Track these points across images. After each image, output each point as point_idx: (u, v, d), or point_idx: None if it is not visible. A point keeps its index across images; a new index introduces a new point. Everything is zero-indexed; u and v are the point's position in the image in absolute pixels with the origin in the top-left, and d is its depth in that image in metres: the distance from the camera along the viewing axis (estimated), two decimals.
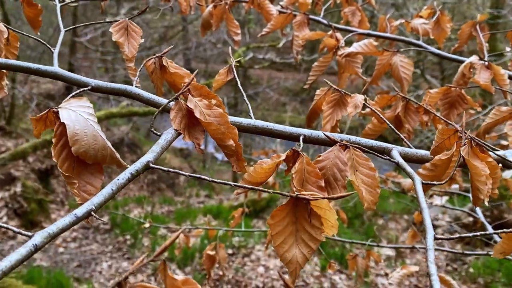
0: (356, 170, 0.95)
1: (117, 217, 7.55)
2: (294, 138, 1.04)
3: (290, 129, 1.04)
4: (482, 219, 2.63)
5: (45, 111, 0.86)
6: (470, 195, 2.81)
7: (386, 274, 7.13)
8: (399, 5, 9.73)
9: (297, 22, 2.00)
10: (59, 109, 0.84)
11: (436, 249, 2.43)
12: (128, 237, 6.95)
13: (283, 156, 0.92)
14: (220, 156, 11.55)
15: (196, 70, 1.04)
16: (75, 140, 0.82)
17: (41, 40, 1.14)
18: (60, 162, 0.83)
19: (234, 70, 1.32)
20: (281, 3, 2.21)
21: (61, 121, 0.82)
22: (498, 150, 1.20)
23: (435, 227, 8.85)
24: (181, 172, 0.79)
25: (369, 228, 8.09)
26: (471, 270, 7.32)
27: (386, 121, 1.29)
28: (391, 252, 7.62)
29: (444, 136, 1.02)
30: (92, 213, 0.73)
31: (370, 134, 1.48)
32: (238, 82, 1.38)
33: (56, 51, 1.09)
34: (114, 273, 6.28)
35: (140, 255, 6.67)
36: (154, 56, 1.13)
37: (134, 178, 0.83)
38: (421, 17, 2.11)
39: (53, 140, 0.83)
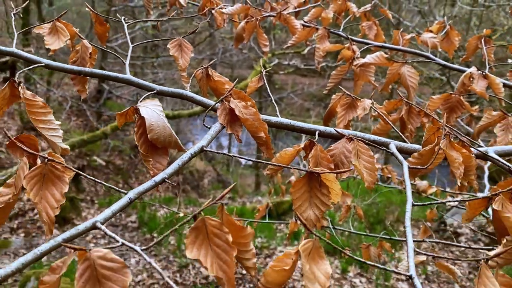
0: (359, 157, 1.25)
1: (145, 216, 7.96)
2: (312, 133, 1.36)
3: (308, 125, 1.36)
4: None
5: (127, 108, 1.20)
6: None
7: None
8: (425, 13, 9.90)
9: (319, 35, 2.32)
10: (139, 107, 1.17)
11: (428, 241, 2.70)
12: (155, 235, 7.35)
13: (302, 145, 1.23)
14: (243, 160, 11.89)
15: (237, 79, 1.36)
16: (151, 129, 1.15)
17: (114, 53, 1.49)
18: (140, 145, 1.16)
19: (264, 78, 1.64)
20: (305, 18, 2.53)
21: (141, 115, 1.15)
22: (482, 147, 1.48)
23: (458, 234, 8.95)
24: (237, 155, 1.11)
25: (391, 234, 8.25)
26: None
27: (389, 121, 1.59)
28: None
29: (430, 132, 1.31)
30: (166, 179, 1.06)
31: (378, 133, 1.77)
32: (268, 89, 1.71)
33: (127, 63, 1.43)
34: (141, 269, 6.67)
35: (167, 252, 7.05)
36: (202, 68, 1.46)
37: (193, 157, 1.15)
38: (431, 31, 2.39)
39: (135, 129, 1.17)
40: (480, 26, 10.48)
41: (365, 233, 2.96)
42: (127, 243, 0.84)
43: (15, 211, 7.39)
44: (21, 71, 1.31)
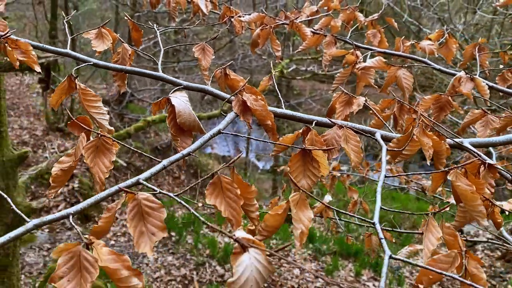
0: (348, 142, 1.56)
1: None
2: (310, 122, 1.66)
3: (307, 116, 1.67)
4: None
5: (161, 98, 1.53)
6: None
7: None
8: (445, 20, 10.09)
9: (327, 41, 2.63)
10: (170, 97, 1.50)
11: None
12: (173, 234, 7.70)
13: (300, 131, 1.55)
14: (261, 164, 12.22)
15: (248, 77, 1.68)
16: (179, 115, 1.48)
17: (149, 55, 1.83)
18: (170, 127, 1.49)
19: (274, 78, 1.96)
20: (315, 26, 2.85)
21: (172, 104, 1.48)
22: (458, 138, 1.77)
23: (474, 242, 9.06)
24: (252, 137, 1.43)
25: (406, 240, 8.44)
26: (510, 287, 7.53)
27: (380, 117, 1.89)
28: None
29: (408, 123, 1.61)
30: (190, 153, 1.39)
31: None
32: (276, 88, 2.03)
33: (159, 62, 1.77)
34: (159, 266, 7.02)
35: (184, 251, 7.39)
36: (220, 68, 1.79)
37: (211, 138, 1.48)
38: (430, 39, 2.68)
39: (167, 115, 1.50)
40: (501, 34, 10.61)
41: (368, 225, 3.22)
42: (163, 191, 1.16)
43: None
44: (75, 68, 1.66)
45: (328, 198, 2.93)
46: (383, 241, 1.09)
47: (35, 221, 1.07)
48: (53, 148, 8.97)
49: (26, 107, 10.59)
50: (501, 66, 2.60)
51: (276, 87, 2.11)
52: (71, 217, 1.11)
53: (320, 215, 3.05)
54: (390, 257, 1.04)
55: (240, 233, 0.94)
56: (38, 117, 10.14)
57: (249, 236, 0.94)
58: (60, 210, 7.95)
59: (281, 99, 1.87)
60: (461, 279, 0.98)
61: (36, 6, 10.63)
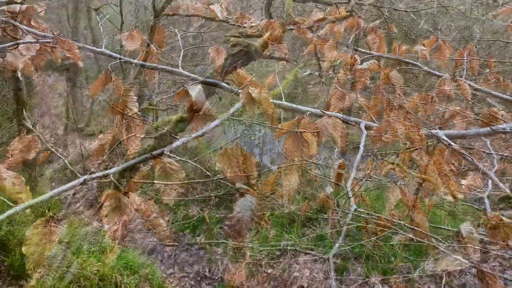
0: (335, 129, 1.91)
1: (178, 216, 8.74)
2: (305, 112, 2.02)
3: (303, 107, 2.03)
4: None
5: (181, 90, 1.91)
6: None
7: None
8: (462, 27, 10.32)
9: (328, 45, 2.98)
10: (188, 89, 1.87)
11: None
12: (187, 232, 8.08)
13: (296, 119, 1.91)
14: (274, 168, 12.60)
15: (253, 74, 2.05)
16: (195, 103, 1.85)
17: (172, 55, 2.22)
18: (188, 113, 1.86)
19: (277, 76, 2.33)
20: (320, 32, 3.21)
21: (190, 94, 1.85)
22: (435, 130, 2.11)
23: (488, 251, 9.21)
24: (257, 123, 1.79)
25: (419, 246, 8.64)
26: None
27: (368, 111, 2.23)
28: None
29: (388, 114, 1.95)
30: (204, 133, 1.76)
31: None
32: (280, 88, 2.38)
33: (180, 60, 2.15)
34: (172, 262, 7.40)
35: (197, 248, 7.76)
36: (232, 66, 2.16)
37: (221, 123, 1.84)
38: (423, 45, 3.02)
39: (185, 103, 1.87)
40: None
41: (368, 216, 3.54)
42: (179, 158, 1.53)
43: (59, 203, 8.30)
44: (111, 63, 2.04)
45: (329, 189, 3.27)
46: (351, 198, 1.43)
47: (86, 176, 1.45)
48: (75, 146, 9.46)
49: (48, 107, 11.16)
50: (487, 71, 2.93)
51: (281, 88, 2.47)
52: (111, 175, 1.48)
53: (323, 205, 3.38)
54: (355, 210, 1.39)
55: (239, 185, 1.30)
56: (60, 117, 10.69)
57: (246, 187, 1.30)
58: (78, 207, 8.41)
59: (282, 94, 2.24)
60: (407, 224, 1.32)
61: (60, 10, 11.19)
